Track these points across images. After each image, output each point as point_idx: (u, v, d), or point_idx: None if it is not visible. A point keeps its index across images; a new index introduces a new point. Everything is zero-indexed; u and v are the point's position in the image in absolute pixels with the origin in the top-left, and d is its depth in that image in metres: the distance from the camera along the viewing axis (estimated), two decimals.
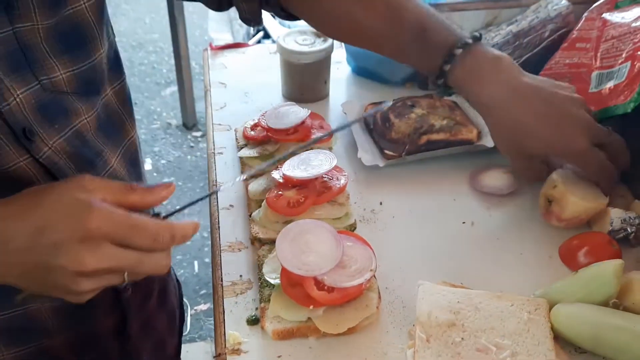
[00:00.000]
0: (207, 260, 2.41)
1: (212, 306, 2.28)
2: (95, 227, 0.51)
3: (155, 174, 2.84)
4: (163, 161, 2.95)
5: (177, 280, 1.03)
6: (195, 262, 2.41)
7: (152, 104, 3.30)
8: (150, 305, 0.89)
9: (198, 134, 3.09)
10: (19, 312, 0.69)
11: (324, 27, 0.90)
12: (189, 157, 2.98)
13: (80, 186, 0.54)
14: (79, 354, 0.77)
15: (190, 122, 3.10)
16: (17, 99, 0.61)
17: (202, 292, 2.29)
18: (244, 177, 0.86)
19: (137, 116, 3.74)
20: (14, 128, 0.61)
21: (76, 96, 0.68)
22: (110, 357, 0.84)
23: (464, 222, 0.87)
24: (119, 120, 0.79)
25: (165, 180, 2.82)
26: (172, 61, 3.03)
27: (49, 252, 0.51)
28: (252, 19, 0.87)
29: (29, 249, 0.51)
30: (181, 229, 0.58)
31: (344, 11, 0.82)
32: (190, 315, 2.20)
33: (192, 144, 3.03)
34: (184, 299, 2.22)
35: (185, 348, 2.06)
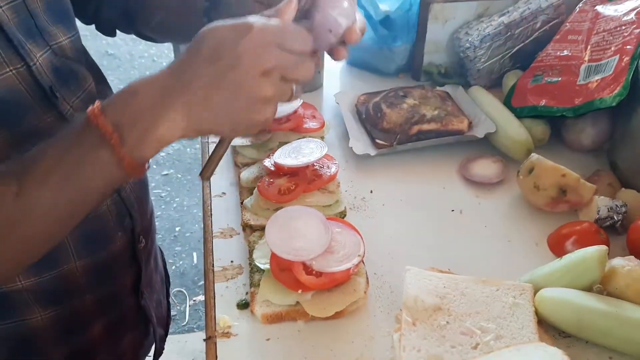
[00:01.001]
0: None
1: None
2: (261, 30, 0.54)
3: (154, 166, 2.85)
4: (162, 154, 2.97)
5: (161, 251, 1.06)
6: (194, 254, 2.42)
7: None
8: (151, 264, 0.93)
9: None
10: (55, 274, 0.72)
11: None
12: (188, 149, 2.99)
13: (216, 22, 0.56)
14: (103, 311, 0.81)
15: None
16: (39, 61, 0.66)
17: (201, 283, 2.31)
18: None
19: None
20: (44, 86, 0.66)
21: (78, 63, 0.74)
22: (129, 312, 0.87)
23: (453, 210, 0.88)
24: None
25: (165, 172, 2.84)
26: (172, 54, 3.03)
27: (232, 66, 0.54)
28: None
29: (213, 75, 0.54)
30: None
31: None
32: (189, 305, 2.22)
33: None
34: (183, 289, 2.25)
35: (184, 338, 2.10)
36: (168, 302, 1.02)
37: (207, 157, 0.64)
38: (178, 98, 0.54)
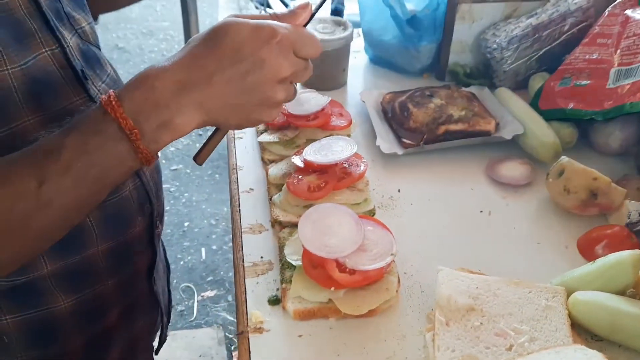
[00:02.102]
0: (215, 247, 2.43)
1: (218, 293, 2.30)
2: (284, 37, 0.58)
3: (164, 161, 2.85)
4: (172, 148, 2.97)
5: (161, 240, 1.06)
6: (203, 249, 2.42)
7: None
8: (160, 250, 0.94)
9: None
10: (79, 259, 0.73)
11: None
12: (197, 144, 2.99)
13: (235, 18, 0.58)
14: (120, 296, 0.82)
15: None
16: (70, 43, 0.68)
17: (209, 278, 2.31)
18: None
19: None
20: (76, 68, 0.68)
21: (98, 48, 0.77)
22: (142, 297, 0.89)
23: (481, 211, 0.88)
24: None
25: (174, 167, 2.84)
26: None
27: (253, 71, 0.57)
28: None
29: (234, 76, 0.57)
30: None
31: None
32: (197, 301, 2.22)
33: (200, 132, 3.04)
34: (191, 285, 2.25)
35: (192, 334, 2.09)
36: (169, 290, 1.04)
37: (203, 143, 0.66)
38: (197, 93, 0.56)
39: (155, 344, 1.02)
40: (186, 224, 2.52)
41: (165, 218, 2.71)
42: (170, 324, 2.04)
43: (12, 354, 0.74)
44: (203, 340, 2.08)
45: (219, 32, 0.57)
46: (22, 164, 0.55)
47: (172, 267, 2.33)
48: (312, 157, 0.84)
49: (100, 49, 0.78)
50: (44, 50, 0.65)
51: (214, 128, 0.65)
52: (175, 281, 2.28)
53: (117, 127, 0.54)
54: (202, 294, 2.25)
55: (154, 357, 1.02)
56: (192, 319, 2.15)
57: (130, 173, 0.60)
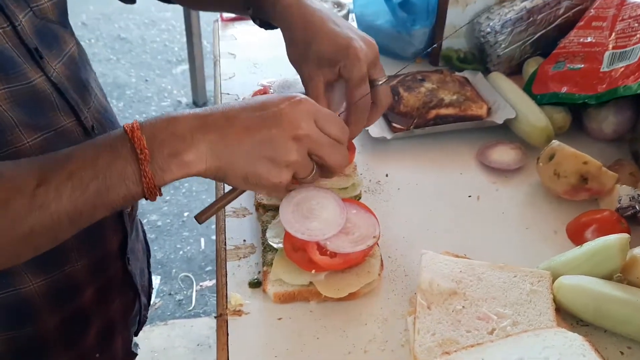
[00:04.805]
0: (214, 237, 2.41)
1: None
2: (308, 104, 0.62)
3: None
4: None
5: (141, 222, 1.07)
6: (202, 239, 2.42)
7: (163, 82, 3.31)
8: (134, 232, 0.93)
9: None
10: None
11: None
12: None
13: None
14: (93, 277, 0.81)
15: (200, 100, 3.10)
16: (23, 22, 0.67)
17: (208, 268, 2.31)
18: None
19: (147, 94, 3.73)
20: (29, 46, 0.67)
21: (60, 25, 0.75)
22: (116, 277, 0.88)
23: (469, 196, 0.87)
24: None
25: None
26: (184, 39, 3.02)
27: (272, 118, 0.60)
28: None
29: (252, 121, 0.60)
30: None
31: None
32: (196, 291, 2.22)
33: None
34: (190, 275, 2.25)
35: (190, 322, 2.10)
36: (149, 272, 1.03)
37: (211, 203, 0.67)
38: (213, 133, 0.58)
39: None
40: (186, 214, 2.52)
41: (165, 208, 2.69)
42: (169, 313, 2.02)
43: None
44: (201, 329, 2.08)
45: (257, 101, 0.62)
46: (27, 165, 0.56)
47: (171, 256, 2.35)
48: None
49: (65, 26, 0.76)
50: None
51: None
52: (174, 271, 2.28)
53: (130, 147, 0.56)
54: (200, 284, 2.26)
55: (149, 341, 1.01)
56: (191, 308, 2.16)
57: (131, 201, 0.61)
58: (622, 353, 0.66)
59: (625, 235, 0.68)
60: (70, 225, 0.58)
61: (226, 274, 0.73)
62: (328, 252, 0.69)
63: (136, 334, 1.01)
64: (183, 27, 2.91)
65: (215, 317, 0.69)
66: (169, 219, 2.48)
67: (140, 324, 1.00)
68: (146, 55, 3.48)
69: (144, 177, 0.56)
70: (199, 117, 0.59)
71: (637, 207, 0.79)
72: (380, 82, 0.76)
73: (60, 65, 0.73)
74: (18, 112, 0.65)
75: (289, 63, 0.79)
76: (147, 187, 0.56)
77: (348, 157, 0.67)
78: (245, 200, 0.84)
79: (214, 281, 2.32)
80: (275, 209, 0.79)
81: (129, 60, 3.46)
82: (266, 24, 0.85)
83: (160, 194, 0.59)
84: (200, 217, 0.66)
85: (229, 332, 0.67)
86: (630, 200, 0.80)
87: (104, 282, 0.84)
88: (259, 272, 0.74)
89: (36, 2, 0.70)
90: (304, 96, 0.63)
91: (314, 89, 0.76)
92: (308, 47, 0.76)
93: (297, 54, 0.78)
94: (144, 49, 3.54)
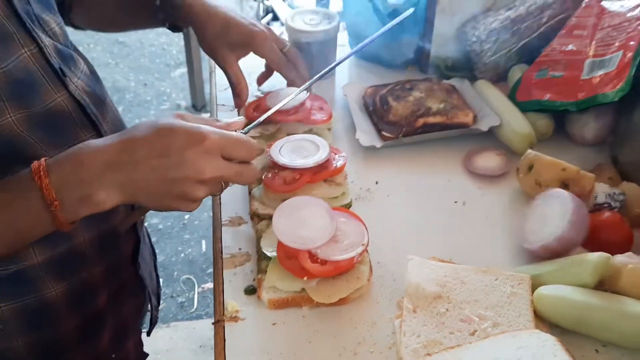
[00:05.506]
0: None
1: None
2: (212, 142, 0.63)
3: None
4: None
5: (146, 228, 1.12)
6: (203, 242, 2.46)
7: (162, 85, 3.34)
8: (144, 236, 0.99)
9: (207, 115, 3.11)
10: (64, 249, 0.77)
11: (106, 27, 1.07)
12: None
13: (177, 119, 0.65)
14: (107, 281, 0.86)
15: (199, 104, 3.14)
16: (47, 42, 0.72)
17: (209, 270, 2.34)
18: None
19: (147, 97, 3.72)
20: (54, 66, 0.71)
21: (69, 48, 0.79)
22: (129, 282, 0.93)
23: (456, 202, 0.90)
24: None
25: None
26: (182, 43, 3.05)
27: (176, 168, 0.62)
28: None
29: (157, 167, 0.61)
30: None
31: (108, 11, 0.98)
32: (198, 292, 2.25)
33: None
34: (191, 277, 2.28)
35: (192, 324, 2.13)
36: (157, 274, 1.08)
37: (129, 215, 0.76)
38: (121, 175, 0.61)
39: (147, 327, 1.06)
40: (186, 217, 2.56)
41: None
42: (171, 315, 2.05)
43: (8, 339, 0.78)
44: (203, 330, 2.12)
45: (158, 127, 0.63)
46: None
47: (172, 259, 2.39)
48: (281, 159, 0.84)
49: (71, 48, 0.80)
50: (23, 51, 0.68)
51: None
52: (176, 273, 2.31)
53: (40, 196, 0.60)
54: (202, 286, 2.29)
55: (153, 343, 1.06)
56: (193, 310, 2.19)
57: (45, 234, 0.65)
58: (597, 351, 0.69)
59: (605, 255, 0.71)
60: None
61: (223, 282, 0.77)
62: (319, 260, 0.73)
63: (149, 334, 1.05)
64: None
65: (212, 324, 0.73)
66: (170, 222, 2.52)
67: (153, 324, 1.05)
68: (144, 59, 3.51)
69: (56, 220, 0.61)
70: (104, 159, 0.61)
71: (612, 204, 0.83)
72: (286, 48, 0.99)
73: (79, 82, 0.77)
74: (38, 133, 0.69)
75: (277, 73, 0.97)
76: (59, 226, 0.62)
77: (256, 174, 0.70)
78: (240, 209, 0.88)
79: None
80: (270, 218, 0.83)
81: (128, 64, 3.49)
82: (174, 27, 0.99)
83: (73, 226, 0.63)
84: (121, 226, 0.76)
85: (225, 337, 0.71)
86: (606, 197, 0.83)
87: (117, 286, 0.89)
88: (254, 279, 0.78)
89: (49, 26, 0.74)
90: (208, 134, 0.63)
91: (232, 71, 0.96)
92: (219, 38, 0.93)
93: (209, 44, 0.95)
94: (142, 52, 3.57)
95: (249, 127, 0.75)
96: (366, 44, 0.89)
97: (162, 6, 0.94)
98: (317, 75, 0.84)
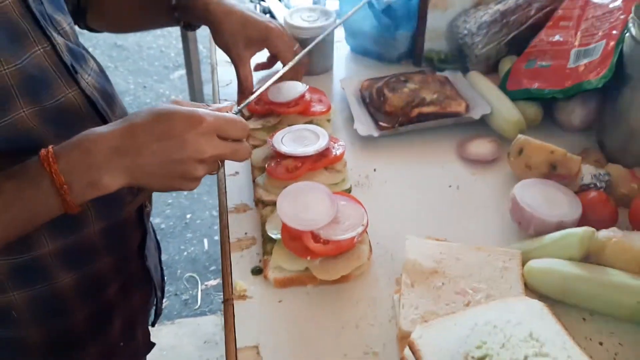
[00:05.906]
0: (217, 237, 2.49)
1: (221, 282, 2.37)
2: (209, 124, 0.67)
3: None
4: None
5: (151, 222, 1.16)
6: (205, 240, 2.49)
7: (161, 87, 3.38)
8: (150, 229, 1.02)
9: None
10: (76, 237, 0.80)
11: (121, 29, 1.11)
12: None
13: (174, 104, 0.68)
14: (117, 272, 0.90)
15: None
16: (59, 40, 0.75)
17: (212, 268, 2.38)
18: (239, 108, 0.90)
19: (146, 100, 3.75)
20: (66, 63, 0.75)
21: (79, 47, 0.82)
22: (137, 273, 0.97)
23: (450, 186, 0.95)
24: None
25: None
26: (180, 45, 3.09)
27: (177, 149, 0.66)
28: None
29: (160, 150, 0.65)
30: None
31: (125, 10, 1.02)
32: (201, 290, 2.29)
33: None
34: (195, 275, 2.32)
35: (196, 321, 2.17)
36: (161, 267, 1.11)
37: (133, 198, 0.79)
38: (126, 160, 0.65)
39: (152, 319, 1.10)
40: (188, 215, 2.59)
41: (168, 211, 2.74)
42: (175, 312, 2.08)
43: (22, 328, 0.82)
44: (207, 327, 2.15)
45: (157, 112, 0.67)
46: None
47: (175, 257, 2.42)
48: (283, 148, 0.89)
49: (81, 47, 0.84)
50: (37, 48, 0.71)
51: None
52: (179, 271, 2.35)
53: (50, 182, 0.63)
54: (205, 283, 2.32)
55: (158, 340, 1.10)
56: (197, 307, 2.22)
57: (54, 217, 0.68)
58: (584, 319, 0.74)
59: (590, 229, 0.76)
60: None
61: (231, 264, 0.81)
62: (321, 240, 0.77)
63: (153, 325, 1.09)
64: (179, 32, 2.97)
65: (222, 302, 0.77)
66: (172, 222, 2.55)
67: (157, 316, 1.09)
68: (143, 61, 3.55)
69: (66, 204, 0.65)
70: (110, 145, 0.64)
71: (598, 185, 0.87)
72: (296, 47, 1.05)
73: (90, 79, 0.81)
74: (49, 127, 0.72)
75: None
76: (68, 209, 0.65)
77: (250, 150, 0.75)
78: (245, 197, 0.92)
79: (219, 280, 2.39)
80: (273, 204, 0.87)
81: (127, 67, 3.53)
82: (189, 26, 1.03)
83: (80, 209, 0.67)
84: (125, 212, 0.82)
85: (235, 314, 0.75)
86: (591, 178, 0.88)
87: (126, 278, 0.92)
88: (260, 260, 0.82)
89: (61, 25, 0.78)
90: (204, 113, 0.68)
91: (243, 69, 1.00)
92: (236, 34, 0.97)
93: (226, 41, 0.99)
94: (141, 55, 3.61)
95: (240, 106, 0.81)
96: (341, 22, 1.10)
97: (177, 6, 0.98)
98: (303, 51, 0.98)
